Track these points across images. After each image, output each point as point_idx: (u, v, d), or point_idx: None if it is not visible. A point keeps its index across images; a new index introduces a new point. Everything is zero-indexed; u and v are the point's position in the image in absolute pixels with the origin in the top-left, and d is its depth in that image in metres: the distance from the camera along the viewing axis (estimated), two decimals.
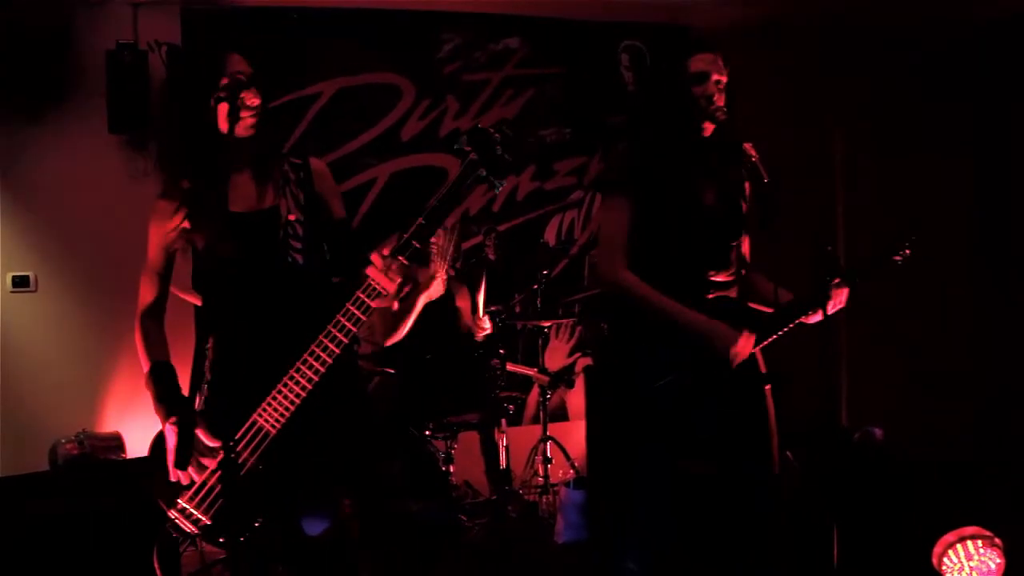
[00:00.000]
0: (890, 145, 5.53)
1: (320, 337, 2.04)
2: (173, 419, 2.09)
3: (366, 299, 2.02)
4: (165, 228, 2.18)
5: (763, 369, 2.52)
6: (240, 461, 2.03)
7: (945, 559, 3.03)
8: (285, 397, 2.05)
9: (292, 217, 2.16)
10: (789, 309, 2.46)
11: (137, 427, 4.20)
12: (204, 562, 3.50)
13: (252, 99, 2.08)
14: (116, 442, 4.04)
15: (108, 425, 4.31)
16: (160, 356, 2.22)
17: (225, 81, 2.01)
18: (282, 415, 2.05)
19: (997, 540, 3.03)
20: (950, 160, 5.51)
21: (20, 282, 4.27)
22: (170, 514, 2.11)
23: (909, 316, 5.21)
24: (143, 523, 3.16)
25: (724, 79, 2.45)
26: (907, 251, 2.50)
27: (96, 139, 4.31)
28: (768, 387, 2.52)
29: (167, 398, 2.14)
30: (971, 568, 3.01)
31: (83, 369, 4.33)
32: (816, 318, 2.44)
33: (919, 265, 2.54)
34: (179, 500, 2.10)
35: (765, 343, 2.46)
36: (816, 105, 5.40)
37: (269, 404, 2.06)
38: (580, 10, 5.03)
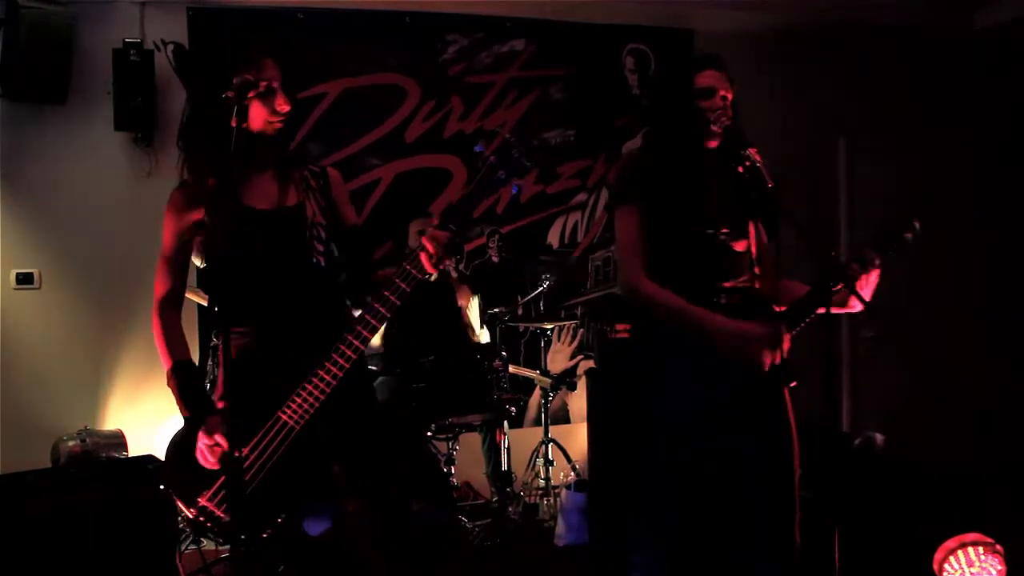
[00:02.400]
0: (891, 149, 5.54)
1: (355, 326, 2.09)
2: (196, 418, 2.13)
3: (402, 282, 2.09)
4: (182, 220, 2.19)
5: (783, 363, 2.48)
6: (264, 457, 2.07)
7: (946, 565, 3.02)
8: (310, 394, 2.08)
9: (318, 220, 2.22)
10: (814, 295, 2.43)
11: (139, 425, 4.21)
12: (204, 561, 3.51)
13: (283, 106, 2.14)
14: (118, 440, 4.04)
15: (110, 423, 4.31)
16: (181, 354, 2.22)
17: (236, 81, 2.02)
18: (307, 411, 2.08)
19: (998, 547, 3.02)
20: (951, 163, 5.52)
21: (24, 279, 4.28)
22: (189, 513, 2.12)
23: (910, 320, 5.21)
24: (146, 521, 3.17)
25: (730, 96, 2.47)
26: (915, 226, 2.46)
27: (101, 137, 4.33)
28: (786, 388, 2.50)
29: (190, 397, 2.16)
30: (972, 574, 3.01)
31: (86, 366, 4.34)
32: (856, 307, 2.40)
33: (920, 265, 2.52)
34: (199, 499, 2.11)
35: (796, 330, 2.43)
36: (818, 109, 5.42)
37: (294, 400, 2.09)
38: (585, 13, 5.03)
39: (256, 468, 2.08)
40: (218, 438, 2.07)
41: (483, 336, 4.46)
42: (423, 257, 2.07)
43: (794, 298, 2.51)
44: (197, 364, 2.08)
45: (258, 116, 2.12)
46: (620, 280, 2.56)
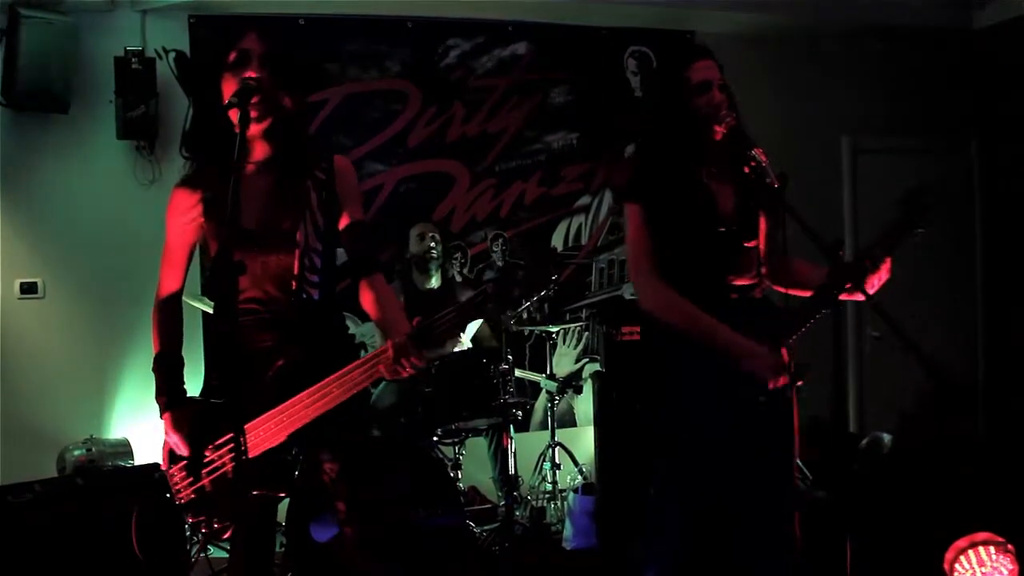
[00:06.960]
0: (895, 149, 5.53)
1: (330, 380, 2.03)
2: (167, 413, 2.16)
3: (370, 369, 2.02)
4: (182, 218, 2.19)
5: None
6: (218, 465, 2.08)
7: (957, 565, 3.01)
8: (281, 422, 2.05)
9: (312, 245, 2.14)
10: (813, 300, 2.39)
11: (145, 433, 4.20)
12: (212, 570, 3.50)
13: (251, 72, 2.17)
14: (125, 448, 4.04)
15: (116, 431, 4.31)
16: (167, 346, 2.23)
17: (237, 85, 2.02)
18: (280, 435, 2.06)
19: (1009, 546, 3.01)
20: (955, 162, 5.51)
21: (28, 288, 4.28)
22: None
23: (918, 319, 5.20)
24: (154, 529, 3.17)
25: (722, 81, 2.45)
26: (922, 228, 2.44)
27: (104, 145, 4.33)
28: (793, 389, 2.48)
29: (165, 390, 2.19)
30: (983, 574, 2.99)
31: (91, 375, 4.34)
32: (858, 296, 2.38)
33: (927, 264, 2.51)
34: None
35: (796, 335, 2.40)
36: (820, 109, 5.42)
37: (266, 423, 2.06)
38: (587, 16, 5.03)
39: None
40: (175, 438, 2.13)
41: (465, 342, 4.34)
42: (382, 367, 2.00)
43: (809, 282, 2.48)
44: (205, 372, 2.05)
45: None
46: (633, 282, 2.53)
